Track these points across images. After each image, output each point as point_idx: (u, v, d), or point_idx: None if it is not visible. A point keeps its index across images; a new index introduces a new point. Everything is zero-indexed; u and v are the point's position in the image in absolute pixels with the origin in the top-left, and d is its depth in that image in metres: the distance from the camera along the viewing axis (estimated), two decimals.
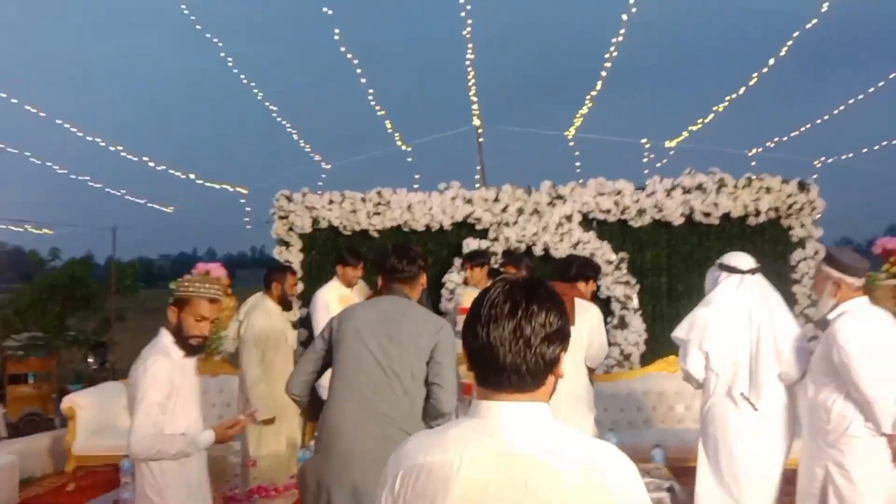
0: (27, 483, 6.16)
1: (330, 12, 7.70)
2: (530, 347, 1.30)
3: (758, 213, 6.95)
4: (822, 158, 8.86)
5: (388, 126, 9.81)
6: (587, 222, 7.22)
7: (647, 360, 6.72)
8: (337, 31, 8.13)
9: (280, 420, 4.90)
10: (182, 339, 2.96)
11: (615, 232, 7.20)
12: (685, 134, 9.25)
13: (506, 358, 1.30)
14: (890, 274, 6.57)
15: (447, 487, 1.28)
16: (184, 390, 2.93)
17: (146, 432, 2.78)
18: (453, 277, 7.20)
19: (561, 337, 1.35)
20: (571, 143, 9.50)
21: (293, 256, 7.56)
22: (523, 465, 1.27)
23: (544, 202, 7.23)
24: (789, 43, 8.02)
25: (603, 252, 7.00)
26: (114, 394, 6.47)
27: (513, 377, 1.31)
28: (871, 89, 8.66)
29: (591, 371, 4.33)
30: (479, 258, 5.67)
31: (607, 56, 8.25)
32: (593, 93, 8.89)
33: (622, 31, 7.88)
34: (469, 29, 8.01)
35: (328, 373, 3.06)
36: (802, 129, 9.44)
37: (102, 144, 9.34)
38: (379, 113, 9.35)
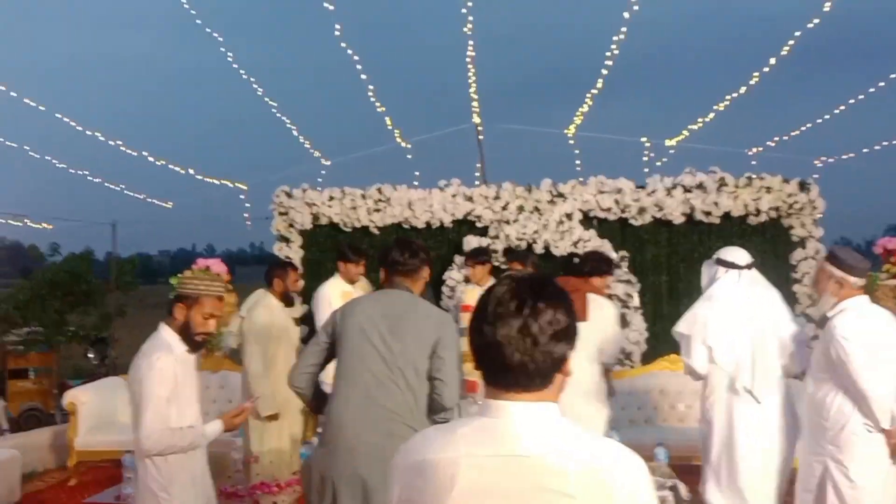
0: (29, 478, 6.17)
1: (331, 8, 7.70)
2: (538, 346, 1.29)
3: (758, 213, 6.96)
4: (823, 158, 8.87)
5: (388, 123, 9.82)
6: (588, 220, 7.23)
7: (648, 358, 6.73)
8: (338, 26, 8.13)
9: (282, 416, 4.90)
10: (188, 336, 2.96)
11: (616, 230, 7.21)
12: (685, 133, 9.25)
13: (513, 357, 1.29)
14: (890, 274, 6.57)
15: (452, 485, 1.28)
16: (186, 386, 2.94)
17: (156, 428, 2.79)
18: (454, 275, 7.20)
19: (569, 335, 1.33)
20: (572, 142, 9.50)
21: (293, 253, 7.57)
22: (530, 465, 1.26)
23: (545, 200, 7.24)
24: (790, 42, 8.02)
25: (603, 250, 7.00)
26: (115, 389, 6.48)
27: (520, 376, 1.30)
28: (872, 89, 8.66)
29: (607, 368, 4.30)
30: (481, 256, 5.68)
31: (608, 54, 8.25)
32: (594, 91, 8.89)
33: (623, 29, 7.88)
34: (470, 26, 8.01)
35: (330, 367, 3.06)
36: (803, 128, 9.44)
37: (102, 139, 9.34)
38: (379, 110, 9.36)
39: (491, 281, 5.48)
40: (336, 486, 2.73)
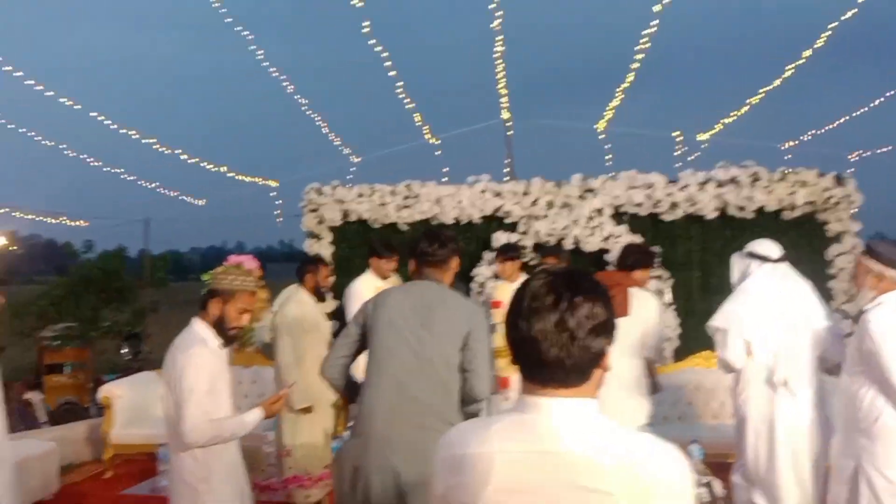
0: (67, 470, 6.28)
1: (360, 4, 7.71)
2: (575, 341, 1.26)
3: (793, 208, 6.86)
4: (859, 151, 8.71)
5: (417, 119, 9.83)
6: (618, 216, 7.16)
7: (681, 354, 6.66)
8: (366, 23, 8.15)
9: (315, 409, 4.94)
10: (222, 330, 3.00)
11: (647, 226, 7.13)
12: (718, 127, 9.14)
13: (549, 352, 1.27)
14: None
15: (488, 480, 1.27)
16: (220, 379, 2.97)
17: (199, 420, 2.82)
18: (483, 271, 7.20)
19: (607, 329, 1.31)
20: (602, 137, 9.44)
21: (323, 249, 7.62)
22: (567, 462, 1.24)
23: (575, 195, 7.20)
24: (825, 34, 7.88)
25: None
26: (148, 384, 6.57)
27: (557, 372, 1.28)
28: None
29: (651, 363, 4.22)
30: (511, 252, 5.65)
31: (638, 48, 8.17)
32: (624, 85, 8.82)
33: (654, 22, 7.79)
34: (499, 21, 7.98)
35: (360, 360, 3.06)
36: (838, 122, 9.28)
37: (136, 137, 9.47)
38: (408, 106, 9.37)
39: (521, 277, 5.46)
40: (368, 476, 2.73)
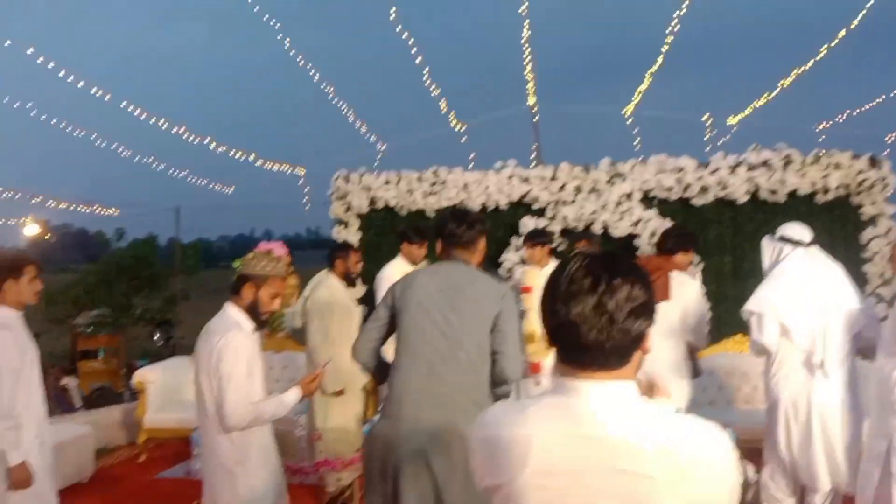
0: (101, 453, 6.41)
1: None
2: (614, 323, 1.25)
3: (826, 191, 6.73)
4: (894, 133, 8.52)
5: (443, 106, 9.80)
6: (647, 200, 7.08)
7: (712, 339, 6.58)
8: (393, 10, 8.13)
9: (346, 393, 4.98)
10: (255, 315, 3.04)
11: (677, 210, 7.03)
12: (749, 109, 8.99)
13: (589, 336, 1.25)
14: None
15: (525, 462, 1.27)
16: (254, 363, 3.01)
17: (240, 403, 2.86)
18: (510, 257, 7.17)
19: (647, 311, 1.29)
20: (630, 121, 9.34)
21: (351, 236, 7.64)
22: (607, 446, 1.23)
23: (603, 180, 7.13)
24: (861, 14, 7.71)
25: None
26: (181, 369, 6.66)
27: (597, 355, 1.27)
28: None
29: (693, 349, 4.16)
30: (540, 237, 5.62)
31: (668, 30, 8.06)
32: (653, 69, 8.71)
33: (685, 3, 7.68)
34: (526, 6, 7.92)
35: (390, 343, 3.06)
36: (873, 102, 9.09)
37: (165, 126, 9.55)
38: (434, 93, 9.34)
39: (550, 262, 5.43)
40: (397, 459, 2.73)
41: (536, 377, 4.83)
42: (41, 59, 8.20)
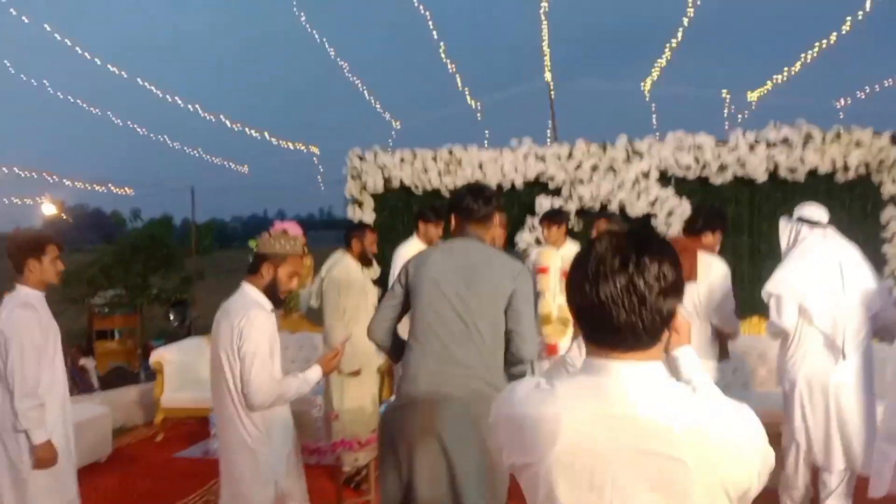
0: (119, 433, 6.46)
1: None
2: (645, 304, 1.22)
3: (847, 169, 6.62)
4: None
5: (458, 83, 9.71)
6: (665, 179, 6.99)
7: None
8: None
9: (362, 373, 4.98)
10: (274, 294, 3.03)
11: (695, 189, 6.94)
12: (769, 85, 8.83)
13: (619, 317, 1.22)
14: None
15: (554, 440, 1.25)
16: (275, 342, 3.01)
17: (265, 381, 2.86)
18: (525, 237, 7.12)
19: (677, 289, 1.26)
20: (647, 97, 9.22)
21: (366, 215, 7.60)
22: (637, 426, 1.22)
23: (620, 158, 7.04)
24: None
25: (682, 210, 6.78)
26: (198, 349, 6.69)
27: (628, 336, 1.24)
28: None
29: (720, 333, 4.04)
30: (558, 217, 5.57)
31: (689, 3, 7.90)
32: (672, 44, 8.56)
33: None
34: None
35: (404, 321, 3.03)
36: (895, 78, 8.92)
37: (180, 104, 9.52)
38: (449, 69, 9.25)
39: (567, 242, 5.37)
40: (412, 439, 2.71)
41: (553, 359, 4.79)
42: (57, 35, 8.17)
